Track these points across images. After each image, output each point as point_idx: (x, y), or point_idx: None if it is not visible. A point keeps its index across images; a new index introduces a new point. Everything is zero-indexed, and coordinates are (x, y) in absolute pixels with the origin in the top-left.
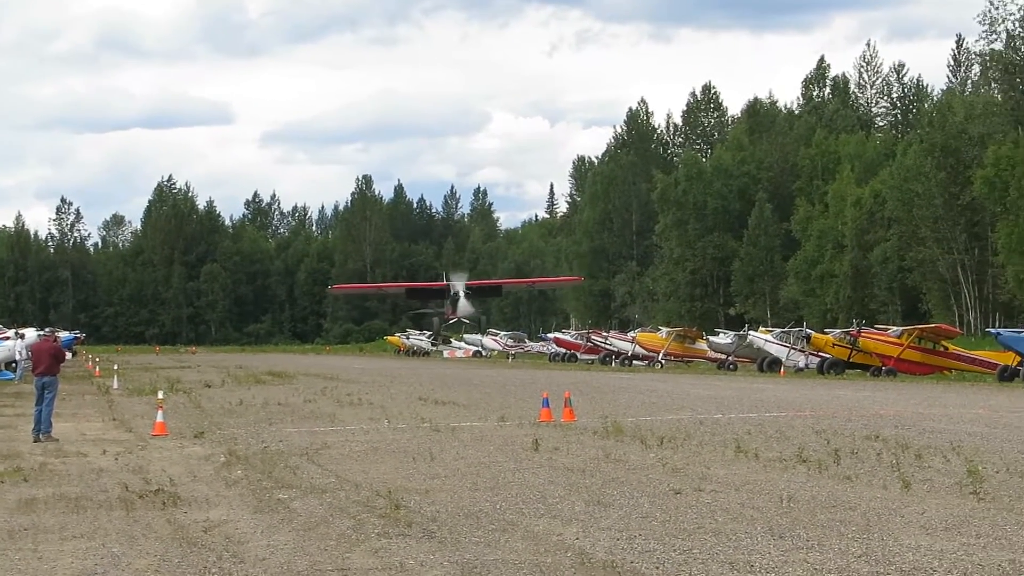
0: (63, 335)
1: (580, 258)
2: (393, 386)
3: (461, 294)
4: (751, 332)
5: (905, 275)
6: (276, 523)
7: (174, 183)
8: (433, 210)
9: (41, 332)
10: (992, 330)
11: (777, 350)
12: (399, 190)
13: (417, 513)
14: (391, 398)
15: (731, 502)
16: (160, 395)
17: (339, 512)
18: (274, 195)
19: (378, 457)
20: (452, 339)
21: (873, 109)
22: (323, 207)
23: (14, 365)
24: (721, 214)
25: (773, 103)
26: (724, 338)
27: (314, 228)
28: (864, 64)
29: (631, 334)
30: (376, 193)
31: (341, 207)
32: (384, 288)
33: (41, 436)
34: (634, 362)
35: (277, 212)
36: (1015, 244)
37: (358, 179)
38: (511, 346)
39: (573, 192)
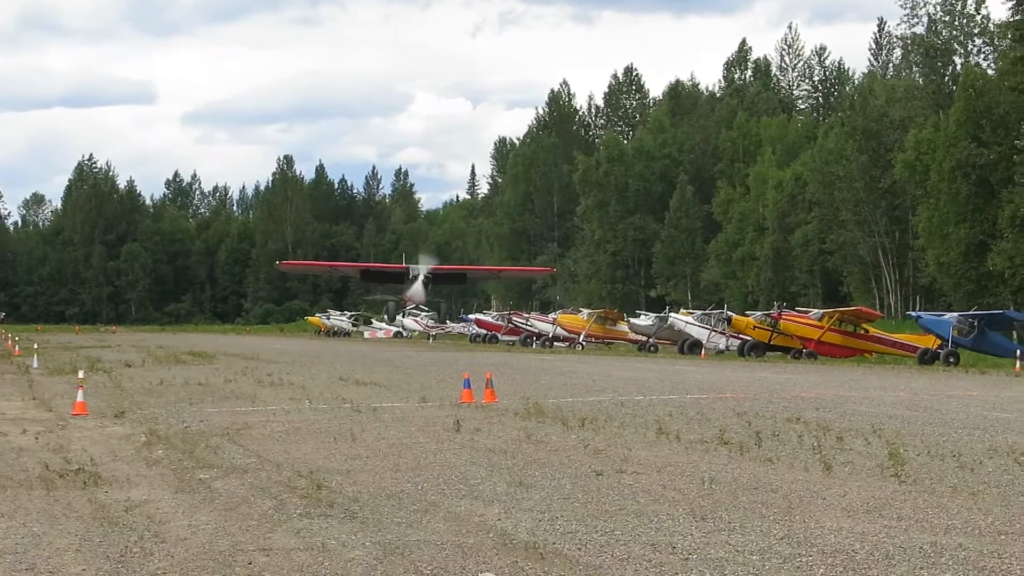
0: None
1: (501, 240)
2: (314, 366)
3: (420, 278)
4: (672, 314)
5: (826, 258)
6: (197, 503)
7: (95, 162)
8: (354, 191)
9: None
10: (912, 313)
11: (698, 332)
12: (320, 170)
13: (339, 494)
14: (312, 378)
15: (653, 484)
16: (80, 374)
17: (260, 492)
18: (195, 175)
19: (299, 437)
20: (373, 320)
21: (795, 92)
22: (244, 187)
23: None
24: (642, 196)
25: (695, 86)
26: (645, 320)
27: (235, 208)
28: (786, 47)
29: (552, 316)
30: (297, 173)
31: (262, 187)
32: (337, 267)
33: None
34: (555, 343)
35: (198, 192)
36: (935, 227)
37: (279, 159)
38: (432, 327)
39: (495, 173)
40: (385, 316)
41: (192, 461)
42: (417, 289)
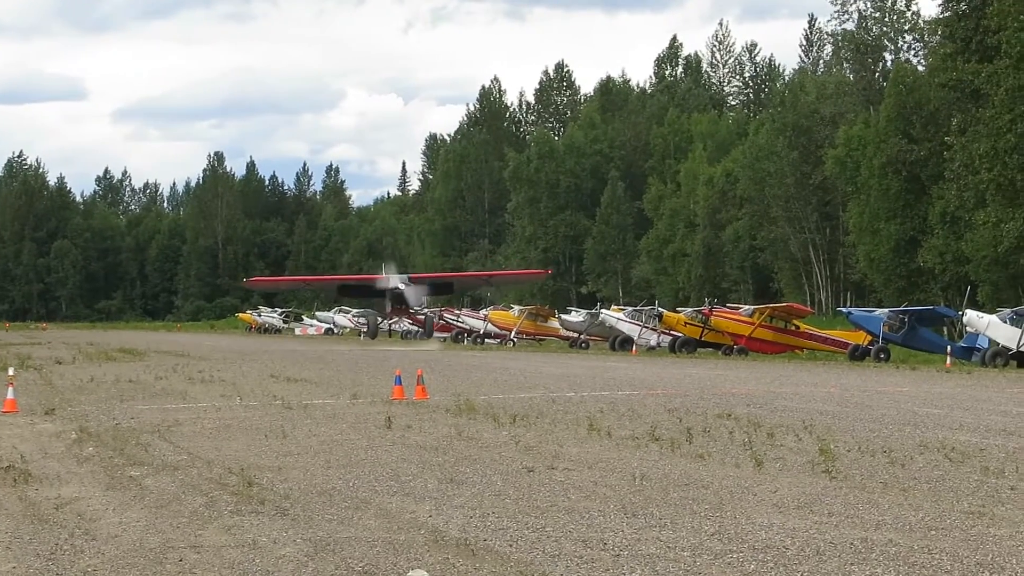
0: None
1: (433, 236)
2: (245, 363)
3: (402, 287)
4: (603, 311)
5: (757, 254)
6: (128, 500)
7: (24, 159)
8: (285, 187)
9: None
10: (843, 309)
11: (629, 328)
12: (251, 167)
13: (270, 491)
14: (243, 375)
15: (584, 480)
16: (10, 371)
17: (191, 489)
18: (125, 172)
19: (230, 434)
20: (304, 316)
21: (725, 88)
22: (175, 184)
23: None
24: (573, 192)
25: (626, 82)
26: (576, 316)
27: (166, 205)
28: (717, 43)
29: (483, 312)
30: (228, 170)
31: (193, 184)
32: (311, 282)
33: None
34: (486, 340)
35: (128, 189)
36: (866, 223)
37: (210, 156)
38: (363, 324)
39: (426, 170)
40: (365, 332)
41: (123, 458)
42: (414, 295)
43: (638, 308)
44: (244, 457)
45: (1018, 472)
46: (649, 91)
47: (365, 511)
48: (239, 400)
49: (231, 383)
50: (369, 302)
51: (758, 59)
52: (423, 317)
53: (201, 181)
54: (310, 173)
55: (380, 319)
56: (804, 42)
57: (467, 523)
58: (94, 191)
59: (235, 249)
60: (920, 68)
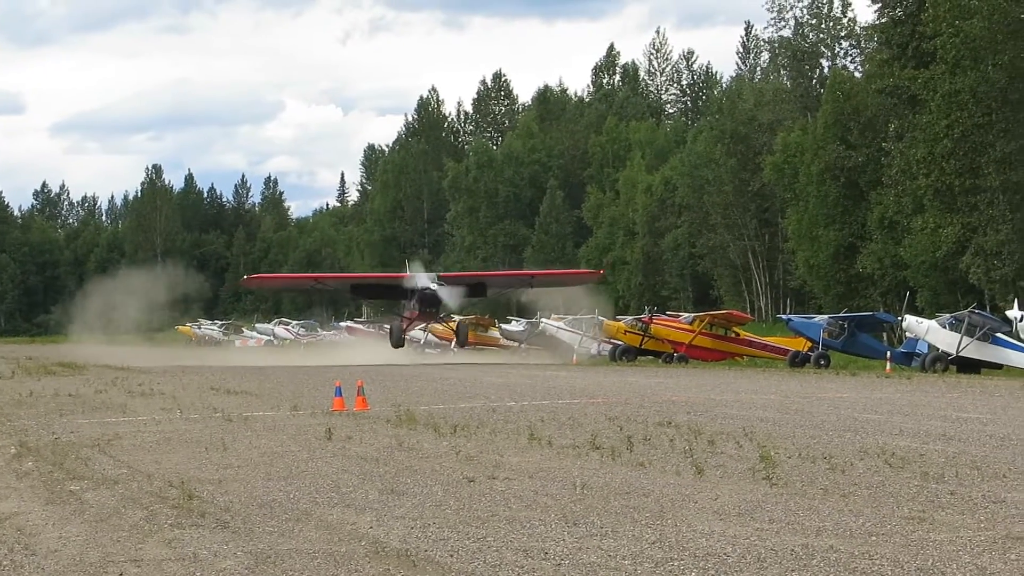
0: None
1: (372, 247)
2: (185, 376)
3: (434, 287)
4: (543, 320)
5: (696, 262)
6: (68, 515)
7: None
8: (224, 199)
9: None
10: (783, 316)
11: (569, 337)
12: (190, 179)
13: (210, 503)
14: (183, 388)
15: (525, 489)
16: None
17: (131, 503)
18: (63, 185)
19: (170, 447)
20: (244, 328)
21: (663, 96)
22: (113, 197)
23: None
24: (512, 202)
25: (563, 91)
26: (517, 326)
27: (104, 218)
28: (654, 51)
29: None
30: (167, 182)
31: (131, 197)
32: (321, 279)
33: None
34: (427, 350)
35: (67, 202)
36: (804, 230)
37: (148, 168)
38: (303, 335)
39: (364, 181)
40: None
41: (62, 473)
42: (450, 296)
43: (578, 317)
44: (184, 470)
45: (958, 477)
46: (587, 100)
47: (306, 523)
48: (179, 413)
49: (171, 396)
50: (387, 305)
51: (695, 67)
52: (455, 324)
53: (139, 194)
54: (249, 185)
55: (403, 327)
56: (741, 49)
57: (408, 534)
58: (32, 205)
59: (174, 262)
60: (857, 74)
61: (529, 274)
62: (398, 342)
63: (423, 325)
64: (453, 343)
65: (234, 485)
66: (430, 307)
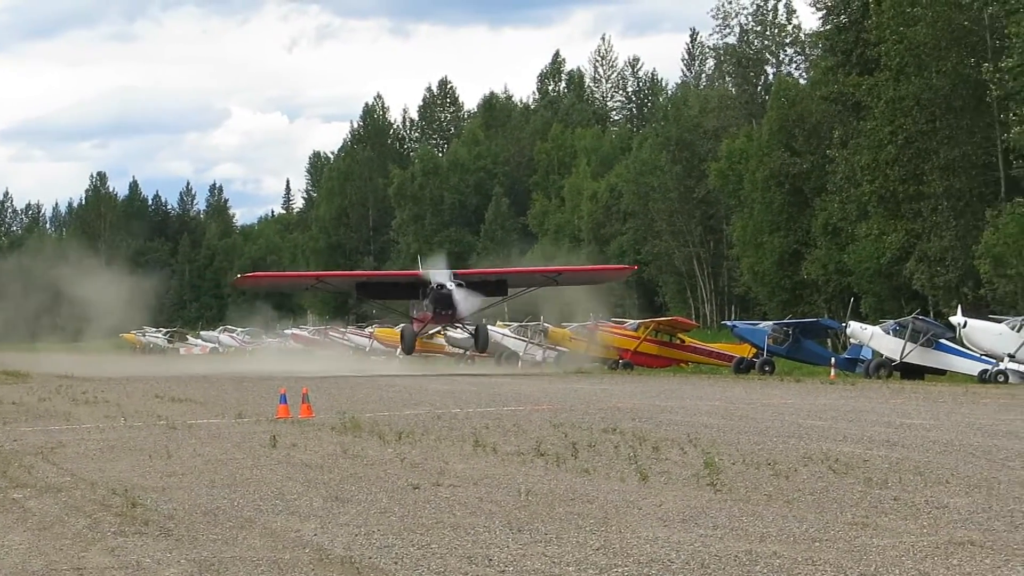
0: None
1: (317, 254)
2: (129, 384)
3: (451, 286)
4: (489, 326)
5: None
6: (10, 523)
7: None
8: (169, 207)
9: None
10: (728, 322)
11: (515, 344)
12: (134, 187)
13: (154, 511)
14: (127, 396)
15: (469, 496)
16: None
17: (75, 511)
18: (7, 193)
19: (114, 455)
20: (189, 336)
21: (609, 103)
22: (57, 204)
23: None
24: (458, 209)
25: (509, 98)
26: (462, 333)
27: (48, 226)
28: (599, 58)
29: (369, 330)
30: (111, 190)
31: (76, 205)
32: (324, 278)
33: None
34: (372, 357)
35: (10, 210)
36: (750, 237)
37: (93, 176)
38: (248, 342)
39: (310, 188)
40: (400, 349)
41: (5, 480)
42: (465, 299)
43: (523, 323)
44: (128, 478)
45: (901, 483)
46: (532, 107)
47: (250, 530)
48: (123, 421)
49: (115, 404)
50: (396, 305)
51: (641, 73)
52: (474, 327)
53: (84, 202)
54: (194, 192)
55: (415, 331)
56: (686, 56)
57: (352, 541)
58: None
59: (119, 270)
60: (802, 81)
61: (555, 271)
62: (410, 348)
63: (437, 329)
64: (397, 350)
65: (178, 493)
66: (446, 308)
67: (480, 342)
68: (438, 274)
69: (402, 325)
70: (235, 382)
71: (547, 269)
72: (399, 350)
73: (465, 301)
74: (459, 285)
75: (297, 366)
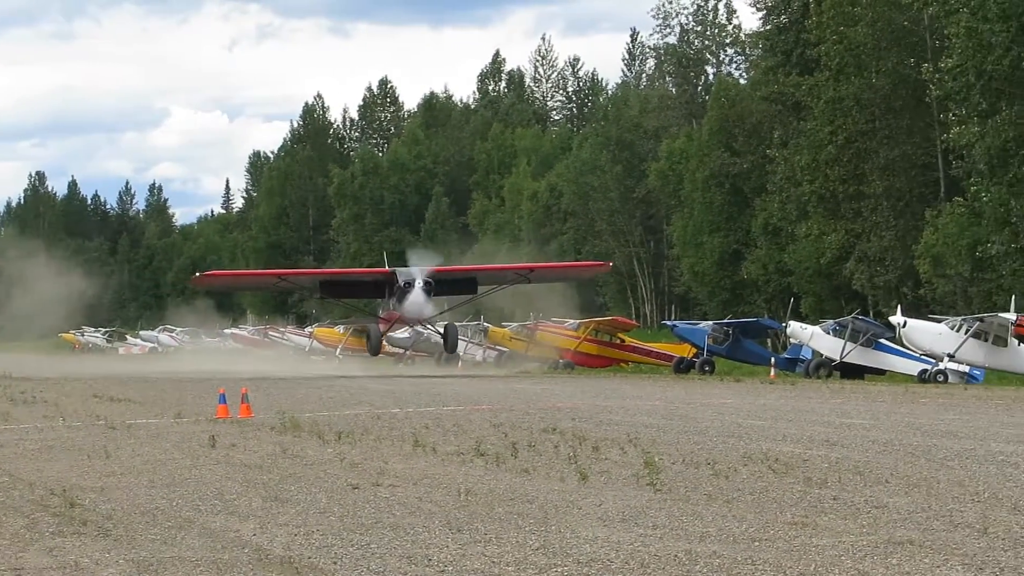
0: None
1: (257, 253)
2: (68, 383)
3: (418, 285)
4: (429, 327)
5: None
6: None
7: None
8: (108, 206)
9: None
10: (668, 322)
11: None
12: (73, 186)
13: (92, 511)
14: (66, 395)
15: (409, 496)
16: None
17: (12, 511)
18: None
19: (52, 455)
20: (128, 335)
21: (549, 103)
22: None
23: None
24: (398, 208)
25: (449, 97)
26: (403, 333)
27: None
28: (539, 58)
29: (308, 329)
30: (50, 189)
31: (14, 204)
32: (287, 276)
33: None
34: (312, 357)
35: None
36: (689, 236)
37: (31, 175)
38: (187, 342)
39: (249, 187)
40: (368, 349)
41: None
42: (417, 301)
43: (464, 323)
44: (66, 478)
45: (840, 482)
46: (473, 106)
47: (189, 530)
48: (62, 421)
49: (54, 404)
50: (363, 304)
51: (581, 73)
52: (444, 327)
53: (22, 201)
54: (133, 192)
55: (380, 332)
56: (627, 56)
57: (291, 541)
58: None
59: (58, 269)
60: (742, 81)
61: (527, 267)
62: (377, 348)
63: (403, 328)
64: (337, 350)
65: (117, 493)
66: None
67: (449, 342)
68: (407, 272)
69: (369, 325)
70: (174, 382)
71: (518, 266)
72: (339, 349)
73: (424, 305)
74: (429, 281)
75: (237, 366)
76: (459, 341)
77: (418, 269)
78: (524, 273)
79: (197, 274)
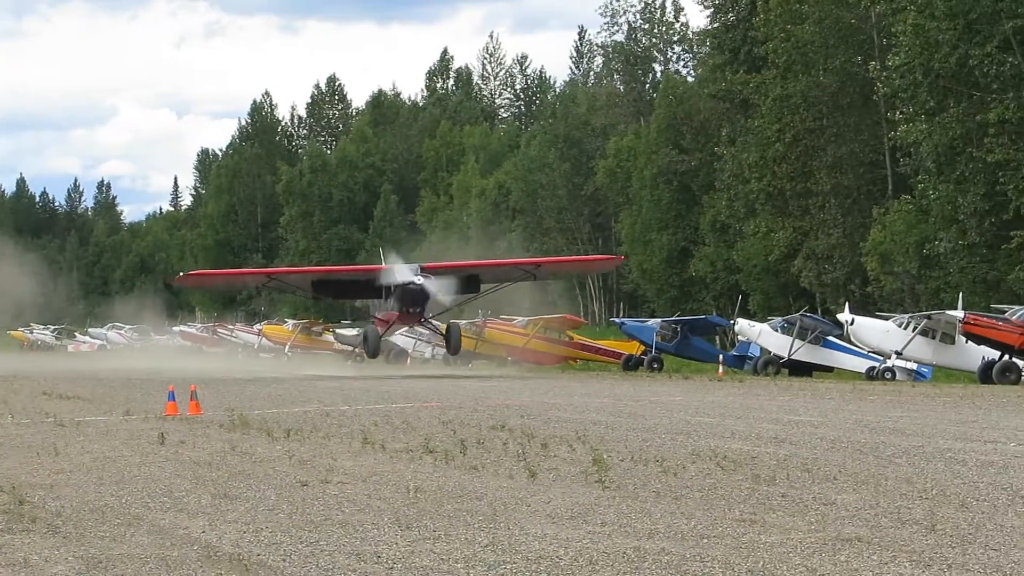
0: None
1: (205, 251)
2: (16, 381)
3: (419, 281)
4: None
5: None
6: None
7: None
8: (56, 204)
9: None
10: (616, 320)
11: (404, 341)
12: (21, 183)
13: (41, 508)
14: (14, 393)
15: (358, 493)
16: None
17: None
18: None
19: (1, 452)
20: (77, 333)
21: (497, 101)
22: None
23: None
24: (346, 206)
25: (397, 95)
26: (350, 330)
27: None
28: (488, 56)
29: (257, 327)
30: None
31: None
32: (277, 275)
33: None
34: (261, 355)
35: None
36: (638, 234)
37: None
38: (136, 340)
39: (198, 185)
40: (362, 349)
41: None
42: (440, 289)
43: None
44: (15, 475)
45: (789, 479)
46: (421, 104)
47: (138, 527)
48: (11, 418)
49: (2, 401)
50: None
51: (529, 71)
52: (447, 327)
53: None
54: (81, 189)
55: (379, 333)
56: (575, 54)
57: (240, 538)
58: None
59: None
60: (690, 79)
61: (534, 262)
62: (375, 351)
63: (404, 329)
64: (286, 347)
65: (66, 490)
66: (415, 306)
67: (452, 344)
68: (404, 269)
69: (366, 326)
70: (123, 379)
71: (525, 261)
72: (287, 346)
73: (437, 293)
74: (427, 278)
75: (186, 363)
76: (409, 339)
77: (408, 267)
78: (530, 269)
79: (182, 273)
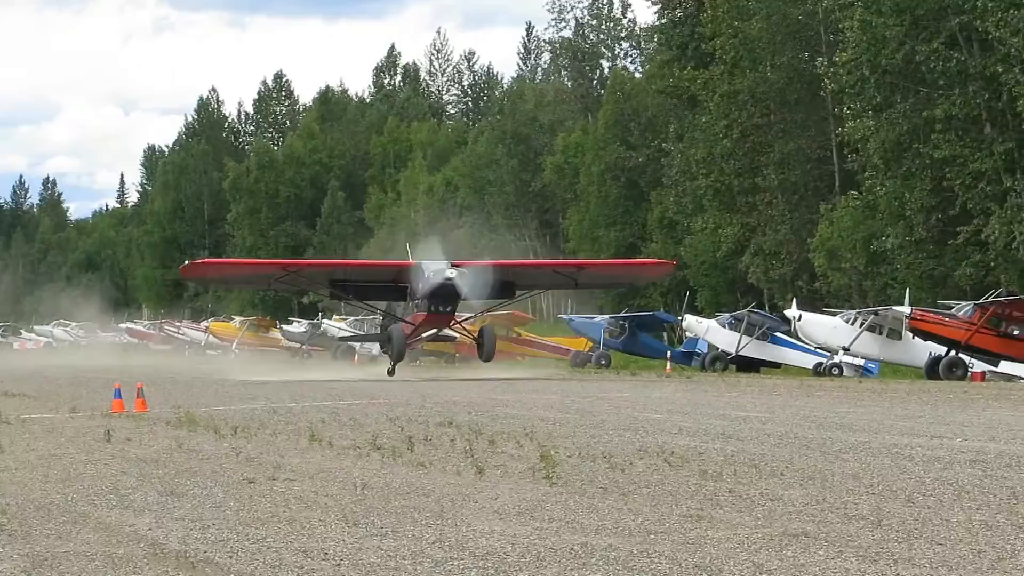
0: None
1: (152, 248)
2: None
3: (454, 278)
4: (325, 321)
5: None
6: None
7: None
8: (1, 200)
9: None
10: (564, 316)
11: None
12: None
13: None
14: None
15: (305, 490)
16: None
17: None
18: None
19: None
20: (23, 330)
21: (444, 97)
22: None
23: None
24: (294, 203)
25: (344, 91)
26: (298, 327)
27: None
28: (435, 52)
29: (204, 324)
30: None
31: None
32: (290, 268)
33: None
34: (208, 352)
35: None
36: (586, 230)
37: None
38: (82, 337)
39: (144, 182)
40: (385, 349)
41: None
42: (478, 293)
43: (360, 318)
44: None
45: (736, 475)
46: (368, 100)
47: (84, 525)
48: None
49: None
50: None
51: (477, 67)
52: (480, 331)
53: None
54: (27, 186)
55: (404, 334)
56: (522, 50)
57: (187, 535)
58: None
59: None
60: (637, 75)
61: (575, 265)
62: (400, 354)
63: (432, 331)
64: (233, 344)
65: (11, 487)
66: (447, 305)
67: (486, 349)
68: (434, 266)
69: (392, 326)
70: (69, 376)
71: (564, 263)
72: (234, 343)
73: (474, 294)
74: (461, 275)
75: (132, 360)
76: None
77: (441, 263)
78: (570, 273)
79: (187, 263)
